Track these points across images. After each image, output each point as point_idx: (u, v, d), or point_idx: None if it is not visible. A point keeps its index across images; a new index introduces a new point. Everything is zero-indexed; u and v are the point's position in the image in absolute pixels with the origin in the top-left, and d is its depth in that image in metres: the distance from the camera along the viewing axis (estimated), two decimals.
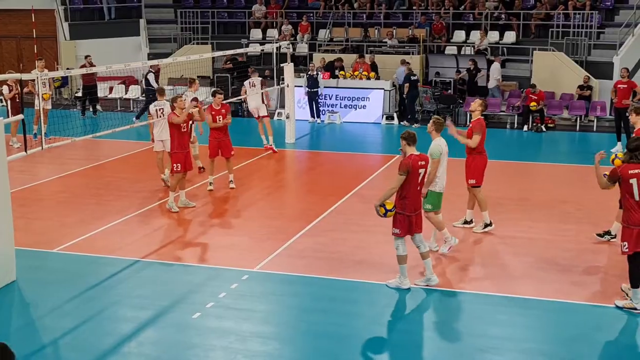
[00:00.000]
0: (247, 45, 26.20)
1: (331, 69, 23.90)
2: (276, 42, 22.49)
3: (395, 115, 23.03)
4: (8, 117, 11.71)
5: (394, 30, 26.32)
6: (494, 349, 8.20)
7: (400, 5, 28.07)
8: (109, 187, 15.08)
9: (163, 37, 29.06)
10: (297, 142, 19.80)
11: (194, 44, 27.88)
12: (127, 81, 26.69)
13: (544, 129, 21.45)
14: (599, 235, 11.52)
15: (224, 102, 14.85)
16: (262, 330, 8.73)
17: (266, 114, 18.62)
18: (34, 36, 25.04)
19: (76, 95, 26.09)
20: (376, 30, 26.87)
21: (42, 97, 15.38)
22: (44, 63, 19.99)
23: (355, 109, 23.32)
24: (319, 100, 23.23)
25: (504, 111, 22.68)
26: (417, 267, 10.16)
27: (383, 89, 23.11)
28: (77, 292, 9.69)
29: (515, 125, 22.15)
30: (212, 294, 9.61)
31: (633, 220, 8.83)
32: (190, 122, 13.54)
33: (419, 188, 9.55)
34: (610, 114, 21.32)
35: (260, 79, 19.02)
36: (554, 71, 23.13)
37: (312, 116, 23.17)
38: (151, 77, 20.76)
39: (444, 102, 23.06)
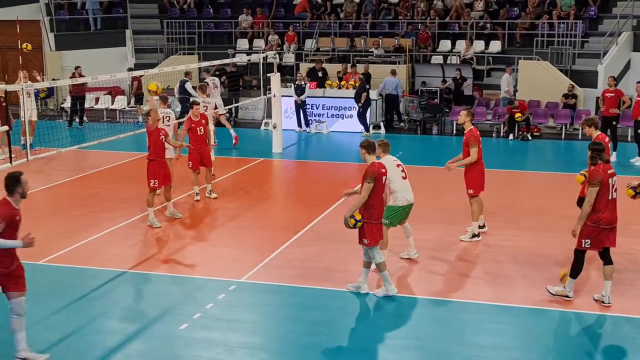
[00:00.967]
0: (233, 56, 26.21)
1: (314, 75, 23.90)
2: (263, 52, 22.51)
3: (382, 124, 23.08)
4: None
5: (380, 40, 26.41)
6: (481, 358, 8.21)
7: (386, 15, 28.18)
8: (95, 198, 15.02)
9: (149, 47, 29.02)
10: (284, 151, 19.81)
11: (180, 54, 27.85)
12: (114, 92, 26.62)
13: (529, 138, 21.56)
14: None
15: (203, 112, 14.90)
16: (250, 341, 8.70)
17: (224, 112, 19.64)
18: (19, 47, 24.95)
19: (62, 106, 26.01)
20: (362, 40, 26.95)
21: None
22: (27, 74, 19.92)
23: (342, 118, 23.36)
24: (307, 110, 23.25)
25: (489, 120, 22.78)
26: (400, 275, 10.15)
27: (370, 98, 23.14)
28: (63, 304, 9.63)
29: (501, 133, 22.25)
30: (199, 305, 9.57)
31: (601, 219, 9.07)
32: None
33: (384, 195, 9.57)
34: None
35: (217, 79, 19.98)
36: (539, 80, 23.25)
37: (299, 125, 23.19)
38: (188, 85, 20.94)
39: (430, 112, 23.13)
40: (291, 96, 22.99)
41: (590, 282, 10.17)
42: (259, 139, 22.26)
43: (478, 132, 11.98)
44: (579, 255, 9.37)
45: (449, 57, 25.82)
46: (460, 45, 26.08)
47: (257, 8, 29.16)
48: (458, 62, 25.16)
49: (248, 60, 24.67)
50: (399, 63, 24.88)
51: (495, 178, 16.67)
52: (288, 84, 23.69)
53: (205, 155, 14.60)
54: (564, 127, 22.24)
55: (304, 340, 8.66)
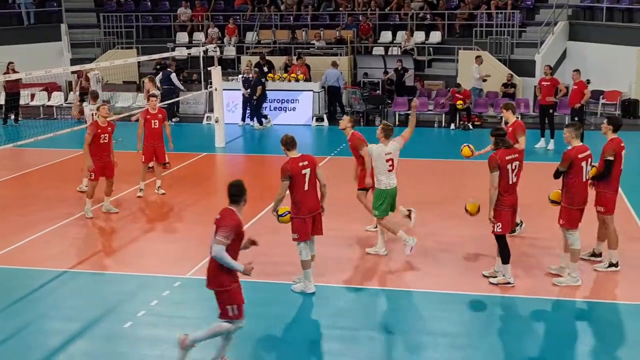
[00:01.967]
0: (173, 49, 25.87)
1: (259, 69, 23.72)
2: (203, 46, 22.25)
3: (325, 116, 23.08)
4: None
5: (322, 32, 26.40)
6: (432, 345, 8.26)
7: (327, 7, 28.18)
8: (33, 197, 14.64)
9: (85, 42, 28.42)
10: (227, 145, 19.63)
11: (118, 48, 27.37)
12: (50, 88, 25.99)
13: (471, 127, 21.82)
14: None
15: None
16: None
17: None
18: None
19: None
20: (304, 32, 26.90)
21: None
22: None
23: (285, 111, 23.26)
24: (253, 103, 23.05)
25: (431, 110, 22.99)
26: (345, 266, 10.14)
27: (312, 90, 23.11)
28: (1, 307, 9.37)
29: (443, 124, 22.47)
30: (144, 302, 9.42)
31: (505, 203, 9.38)
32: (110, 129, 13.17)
33: (307, 189, 9.39)
34: (534, 111, 21.83)
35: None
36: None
37: (243, 119, 23.00)
38: (174, 76, 20.48)
39: (372, 103, 23.22)
40: (234, 89, 22.82)
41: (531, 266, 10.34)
42: (201, 133, 22.03)
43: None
44: (500, 240, 9.58)
45: (390, 48, 25.97)
46: (401, 36, 26.25)
47: (196, 1, 28.84)
48: (399, 53, 25.33)
49: (188, 53, 24.38)
50: (340, 55, 24.90)
51: (437, 168, 16.86)
52: (230, 78, 23.48)
53: (158, 150, 14.38)
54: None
55: (253, 334, 8.58)
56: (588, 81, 18.86)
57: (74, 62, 26.26)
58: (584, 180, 9.67)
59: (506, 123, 11.70)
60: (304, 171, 9.36)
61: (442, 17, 26.37)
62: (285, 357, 8.21)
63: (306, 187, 9.39)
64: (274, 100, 23.29)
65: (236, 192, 7.52)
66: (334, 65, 23.34)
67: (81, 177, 14.50)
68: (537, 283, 9.88)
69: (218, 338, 7.65)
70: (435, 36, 26.14)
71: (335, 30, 26.47)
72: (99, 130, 13.06)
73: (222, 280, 7.43)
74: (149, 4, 29.68)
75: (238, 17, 27.87)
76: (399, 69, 23.85)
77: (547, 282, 9.86)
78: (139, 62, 24.52)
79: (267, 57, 24.48)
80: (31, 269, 10.68)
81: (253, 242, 7.64)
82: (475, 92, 22.88)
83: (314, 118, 22.93)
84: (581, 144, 9.79)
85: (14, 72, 21.42)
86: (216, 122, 19.68)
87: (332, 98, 23.62)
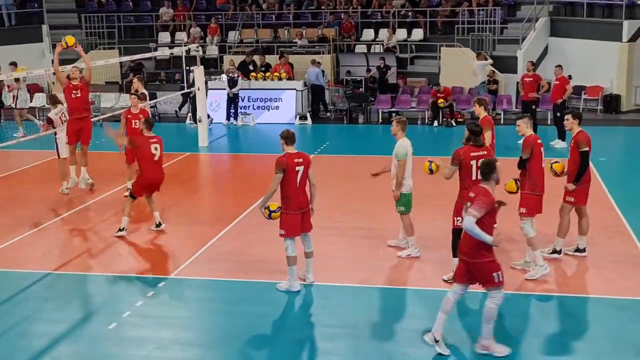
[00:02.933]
0: (155, 49, 25.79)
1: (245, 68, 23.72)
2: (185, 45, 22.20)
3: (308, 115, 23.09)
4: None
5: (304, 31, 26.41)
6: (415, 341, 8.29)
7: (309, 5, 28.18)
8: (16, 199, 14.54)
9: None
10: (210, 145, 19.60)
11: (100, 49, 27.24)
12: (32, 89, 25.80)
13: (453, 124, 21.90)
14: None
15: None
16: (182, 337, 8.60)
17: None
18: None
19: None
20: (286, 31, 26.90)
21: None
22: None
23: (269, 109, 23.26)
24: (238, 103, 23.05)
25: (414, 107, 23.05)
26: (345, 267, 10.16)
27: (295, 89, 23.13)
28: None
29: (426, 121, 22.54)
30: (129, 302, 9.40)
31: (467, 198, 9.27)
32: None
33: (298, 186, 9.43)
34: (516, 107, 21.95)
35: None
36: (461, 66, 23.65)
37: (227, 118, 22.98)
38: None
39: (355, 101, 23.26)
40: (218, 89, 22.80)
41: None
42: (184, 133, 21.99)
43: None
44: (456, 235, 9.55)
45: (373, 46, 26.03)
46: (383, 34, 26.31)
47: (178, 0, 28.76)
48: (382, 51, 25.38)
49: (171, 53, 24.30)
50: (323, 53, 24.93)
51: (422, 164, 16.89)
52: (212, 77, 23.45)
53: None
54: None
55: (238, 333, 8.59)
56: (570, 77, 18.98)
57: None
58: (543, 166, 9.96)
59: (477, 118, 11.79)
60: (297, 168, 9.40)
61: (423, 14, 26.46)
62: (271, 356, 8.21)
63: (298, 184, 9.43)
64: (257, 99, 23.29)
65: (486, 170, 7.83)
66: (314, 63, 23.36)
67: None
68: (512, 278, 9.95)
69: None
70: (417, 33, 26.21)
71: (317, 29, 26.49)
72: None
73: (482, 252, 7.63)
74: (130, 4, 29.57)
75: (220, 17, 27.82)
76: (382, 66, 23.90)
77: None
78: (121, 63, 24.41)
79: (251, 57, 24.44)
80: (15, 271, 10.62)
81: (501, 203, 7.85)
82: (483, 89, 22.93)
83: (297, 116, 22.94)
84: (533, 134, 10.09)
85: None
86: (199, 121, 19.63)
87: (315, 96, 23.65)
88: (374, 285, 9.93)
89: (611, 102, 22.89)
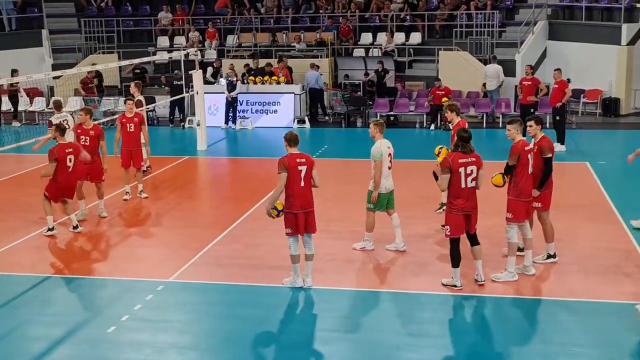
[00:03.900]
0: (154, 54, 25.84)
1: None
2: (184, 49, 22.25)
3: (306, 118, 23.13)
4: None
5: (302, 34, 26.46)
6: (411, 346, 8.32)
7: (307, 9, 28.23)
8: (16, 202, 14.57)
9: (67, 47, 28.30)
10: (209, 149, 19.64)
11: (99, 53, 27.29)
12: (32, 93, 25.87)
13: (451, 127, 21.86)
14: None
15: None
16: (180, 341, 8.61)
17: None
18: None
19: None
20: (284, 35, 26.95)
21: None
22: None
23: (267, 113, 23.30)
24: (236, 106, 23.09)
25: (412, 111, 23.09)
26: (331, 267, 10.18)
27: (293, 93, 23.18)
28: None
29: (424, 124, 22.58)
30: (127, 306, 9.42)
31: (456, 206, 9.51)
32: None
33: (302, 185, 9.58)
34: (515, 110, 21.97)
35: None
36: (459, 70, 23.70)
37: (226, 122, 23.02)
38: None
39: (353, 104, 23.30)
40: (216, 93, 22.86)
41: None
42: (182, 137, 22.02)
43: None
44: (452, 244, 9.61)
45: (371, 50, 26.07)
46: (381, 37, 26.36)
47: (177, 5, 28.82)
48: (380, 55, 25.43)
49: (169, 57, 24.35)
50: (321, 57, 24.98)
51: (420, 168, 16.93)
52: (210, 78, 23.52)
53: (135, 155, 14.36)
54: (484, 116, 22.70)
55: (236, 337, 8.61)
56: (568, 80, 19.02)
57: (55, 67, 26.13)
58: (530, 172, 9.91)
59: (450, 123, 11.93)
60: (300, 167, 9.57)
61: (422, 18, 26.51)
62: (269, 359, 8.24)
63: (302, 183, 9.59)
64: (256, 102, 23.34)
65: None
66: (313, 67, 23.43)
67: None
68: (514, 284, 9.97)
69: None
70: (416, 37, 26.27)
71: (315, 33, 26.55)
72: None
73: None
74: (129, 8, 29.63)
75: (218, 21, 27.88)
76: (380, 70, 23.95)
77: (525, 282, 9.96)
78: (120, 67, 24.47)
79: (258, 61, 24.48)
80: (13, 275, 10.64)
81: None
82: (495, 94, 22.96)
83: (296, 120, 22.97)
84: (523, 138, 10.02)
85: None
86: (198, 125, 19.67)
87: (313, 100, 23.70)
88: (373, 289, 9.94)
89: (610, 106, 22.93)
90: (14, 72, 21.90)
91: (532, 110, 18.86)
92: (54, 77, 22.94)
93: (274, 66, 23.93)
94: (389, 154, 10.94)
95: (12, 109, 24.05)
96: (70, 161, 12.05)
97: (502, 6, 26.19)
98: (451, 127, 12.29)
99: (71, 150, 11.99)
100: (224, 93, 22.84)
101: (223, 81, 23.25)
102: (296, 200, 9.56)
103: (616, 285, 9.78)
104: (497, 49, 24.78)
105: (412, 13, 26.83)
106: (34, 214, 13.54)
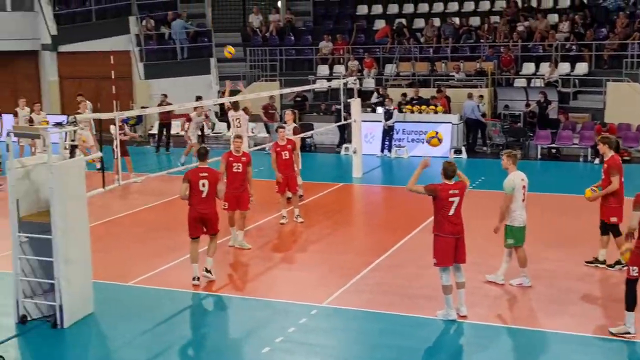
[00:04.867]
0: (314, 82, 26.48)
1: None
2: (343, 78, 22.66)
3: (463, 148, 22.82)
4: (115, 156, 11.79)
5: (461, 64, 26.23)
6: None
7: (468, 39, 27.97)
8: (178, 221, 15.25)
9: (233, 74, 29.51)
10: (364, 176, 19.80)
11: (262, 80, 28.33)
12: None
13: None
14: (588, 262, 11.82)
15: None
16: None
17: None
18: (112, 77, 25.84)
19: (150, 132, 26.78)
20: (443, 64, 26.82)
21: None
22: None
23: (423, 142, 23.19)
24: (393, 135, 23.24)
25: (576, 144, 22.21)
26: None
27: (451, 122, 22.98)
28: (150, 326, 9.82)
29: (589, 158, 21.65)
30: (281, 328, 9.62)
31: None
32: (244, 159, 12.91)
33: (451, 213, 9.58)
34: None
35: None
36: (629, 102, 22.58)
37: (382, 150, 23.18)
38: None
39: (513, 135, 22.77)
40: (373, 121, 23.10)
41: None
42: (338, 163, 22.35)
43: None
44: (629, 285, 8.96)
45: (533, 80, 25.40)
46: (544, 67, 25.61)
47: (338, 35, 29.43)
48: (542, 85, 24.71)
49: (328, 86, 24.87)
50: (480, 86, 24.63)
51: (580, 203, 16.24)
52: (369, 108, 23.81)
53: (291, 179, 14.75)
54: None
55: None
56: None
57: (219, 94, 27.41)
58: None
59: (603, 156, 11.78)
60: (451, 199, 9.61)
61: (589, 47, 25.51)
62: None
63: (451, 212, 9.63)
64: (412, 132, 23.33)
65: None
66: (470, 97, 23.14)
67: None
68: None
69: None
70: (582, 67, 25.29)
71: (475, 62, 26.22)
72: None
73: None
74: (292, 38, 30.58)
75: (378, 50, 28.17)
76: (542, 101, 23.24)
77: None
78: (281, 94, 25.27)
79: (404, 89, 24.55)
80: (177, 291, 11.13)
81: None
82: None
83: (452, 150, 22.74)
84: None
85: (168, 104, 22.66)
86: (354, 152, 19.92)
87: (470, 130, 23.37)
88: (524, 327, 9.61)
89: None
90: (198, 99, 22.99)
91: None
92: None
93: (436, 96, 23.91)
94: (523, 186, 10.67)
95: (200, 133, 24.82)
96: (203, 186, 10.96)
97: None
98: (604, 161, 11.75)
99: (206, 175, 10.86)
100: (380, 122, 23.03)
101: (380, 110, 23.45)
102: (446, 227, 9.62)
103: None
104: None
105: (578, 42, 25.90)
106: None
